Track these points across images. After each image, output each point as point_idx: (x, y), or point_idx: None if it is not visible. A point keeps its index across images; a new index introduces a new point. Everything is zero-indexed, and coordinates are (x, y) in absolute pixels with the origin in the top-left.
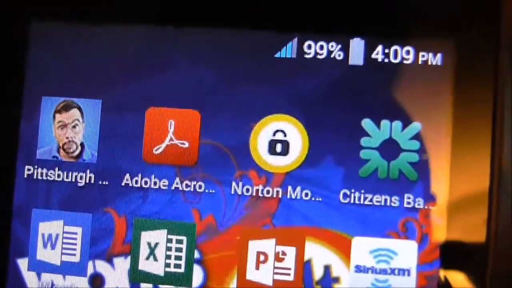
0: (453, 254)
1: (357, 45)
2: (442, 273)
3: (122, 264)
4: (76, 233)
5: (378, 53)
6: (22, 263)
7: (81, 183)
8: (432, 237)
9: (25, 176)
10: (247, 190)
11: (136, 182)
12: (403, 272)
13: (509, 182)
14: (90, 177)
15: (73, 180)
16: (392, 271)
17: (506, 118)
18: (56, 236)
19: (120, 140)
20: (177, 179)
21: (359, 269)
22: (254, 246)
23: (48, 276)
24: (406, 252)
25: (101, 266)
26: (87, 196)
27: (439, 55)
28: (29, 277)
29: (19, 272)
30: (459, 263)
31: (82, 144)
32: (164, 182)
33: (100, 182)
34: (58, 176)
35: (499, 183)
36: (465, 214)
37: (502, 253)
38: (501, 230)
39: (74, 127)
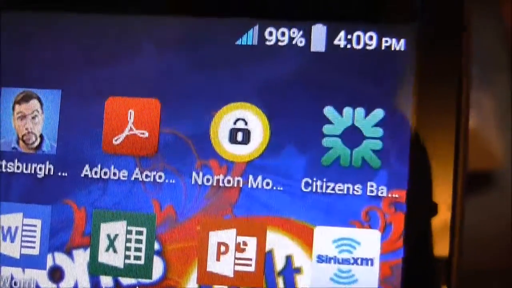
0: (417, 243)
1: (318, 31)
2: (406, 263)
3: (82, 256)
4: (35, 226)
5: (340, 39)
6: None
7: (40, 174)
8: (395, 226)
9: None
10: (208, 180)
11: (96, 173)
12: (366, 261)
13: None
14: (49, 169)
15: (33, 172)
16: (355, 261)
17: (497, 109)
18: (15, 229)
19: (79, 131)
20: (137, 170)
21: (321, 259)
22: (215, 236)
23: (8, 270)
24: (369, 242)
25: (61, 259)
26: (47, 188)
27: (402, 40)
28: None
29: None
30: (423, 253)
31: (41, 136)
32: (123, 173)
33: (59, 174)
34: (18, 168)
35: (463, 169)
36: (428, 202)
37: (467, 239)
38: (467, 217)
39: (33, 118)
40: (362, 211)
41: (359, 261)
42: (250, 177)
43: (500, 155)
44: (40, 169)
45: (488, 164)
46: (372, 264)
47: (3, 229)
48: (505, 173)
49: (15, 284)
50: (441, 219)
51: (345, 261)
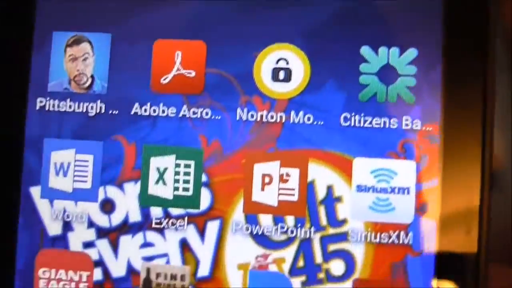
0: (451, 173)
1: None
2: (439, 191)
3: (132, 189)
4: (87, 161)
5: None
6: (35, 192)
7: (92, 113)
8: (430, 157)
9: (37, 108)
10: (252, 116)
11: (145, 110)
12: (403, 190)
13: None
14: (100, 107)
15: (84, 110)
16: (392, 190)
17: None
18: (68, 165)
19: (129, 72)
20: (185, 107)
21: (360, 188)
22: (259, 168)
23: (60, 203)
24: (406, 172)
25: (112, 192)
26: (98, 125)
27: None
28: (41, 204)
29: (31, 200)
30: (457, 182)
31: (92, 76)
32: (172, 110)
33: (110, 112)
34: (70, 107)
35: (493, 103)
36: (460, 134)
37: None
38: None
39: (84, 60)
40: (398, 143)
41: (396, 190)
42: (292, 112)
43: (500, 155)
44: (92, 107)
45: None
46: (408, 193)
47: (55, 165)
48: (505, 173)
49: (67, 217)
50: (473, 150)
51: (383, 190)
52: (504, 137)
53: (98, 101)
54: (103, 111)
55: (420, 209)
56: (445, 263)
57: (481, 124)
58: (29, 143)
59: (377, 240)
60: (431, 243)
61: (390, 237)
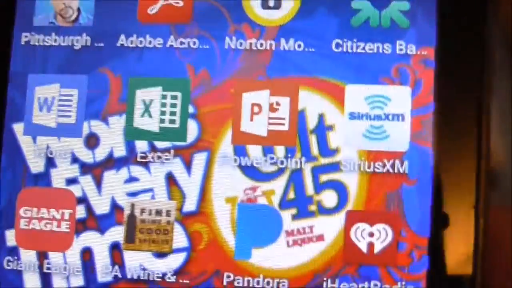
0: (446, 97)
1: None
2: (437, 117)
3: (117, 122)
4: (72, 95)
5: None
6: (18, 128)
7: (78, 46)
8: (425, 82)
9: (22, 43)
10: (241, 44)
11: (132, 42)
12: (397, 117)
13: None
14: (86, 40)
15: (70, 44)
16: (387, 117)
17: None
18: (52, 99)
19: (115, 3)
20: (172, 37)
21: (353, 116)
22: (248, 98)
23: (44, 139)
24: (400, 98)
25: (97, 126)
26: (83, 59)
27: None
28: (24, 141)
29: (14, 136)
30: (453, 106)
31: (78, 9)
32: (159, 41)
33: (95, 44)
34: (55, 41)
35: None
36: (456, 57)
37: None
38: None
39: None
40: (392, 68)
41: (390, 117)
42: (282, 40)
43: (500, 155)
44: (77, 41)
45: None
46: (403, 120)
47: (39, 100)
48: (505, 173)
49: (50, 153)
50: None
51: (377, 117)
52: (504, 137)
53: (84, 34)
54: (89, 44)
55: (416, 136)
56: (442, 192)
57: (480, 45)
58: (13, 78)
59: (371, 169)
60: (427, 172)
61: (384, 166)
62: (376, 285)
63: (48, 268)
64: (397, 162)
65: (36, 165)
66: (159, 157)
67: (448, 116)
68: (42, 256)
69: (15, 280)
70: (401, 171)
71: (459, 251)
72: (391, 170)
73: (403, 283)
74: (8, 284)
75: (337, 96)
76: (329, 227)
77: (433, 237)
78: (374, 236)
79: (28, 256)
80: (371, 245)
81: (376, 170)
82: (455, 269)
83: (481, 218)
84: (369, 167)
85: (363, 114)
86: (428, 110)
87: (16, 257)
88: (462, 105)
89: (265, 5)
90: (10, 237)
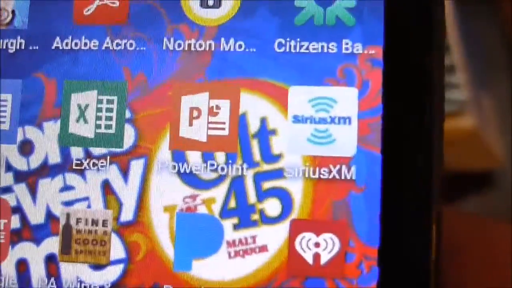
0: (396, 99)
1: None
2: (385, 120)
3: (52, 128)
4: (6, 100)
5: None
6: None
7: (12, 49)
8: (373, 83)
9: None
10: (179, 45)
11: (67, 44)
12: (344, 120)
13: None
14: (20, 43)
15: (4, 47)
16: (332, 120)
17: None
18: None
19: (51, 5)
20: (108, 39)
21: (297, 119)
22: (187, 101)
23: None
24: (346, 99)
25: (31, 132)
26: (18, 63)
27: None
28: None
29: None
30: (402, 108)
31: (13, 12)
32: (94, 43)
33: (30, 48)
34: None
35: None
36: (405, 57)
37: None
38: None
39: None
40: (338, 69)
41: (336, 120)
42: (222, 40)
43: (500, 155)
44: (12, 44)
45: (488, 164)
46: (350, 123)
47: None
48: (505, 173)
49: None
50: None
51: (322, 121)
52: (504, 137)
53: (18, 37)
54: (23, 47)
55: (363, 140)
56: (392, 199)
57: (429, 45)
58: None
59: (317, 175)
60: (376, 178)
61: (330, 172)
62: None
63: None
64: (344, 167)
65: None
66: (94, 164)
67: (397, 118)
68: None
69: None
70: (348, 177)
71: (410, 261)
72: (337, 177)
73: None
74: None
75: (280, 99)
76: (273, 237)
77: (383, 247)
78: (321, 247)
79: None
80: (317, 256)
81: (322, 176)
82: (407, 281)
83: (434, 225)
84: (314, 173)
85: (308, 117)
86: (376, 112)
87: None
88: (412, 107)
89: (204, 3)
90: None
